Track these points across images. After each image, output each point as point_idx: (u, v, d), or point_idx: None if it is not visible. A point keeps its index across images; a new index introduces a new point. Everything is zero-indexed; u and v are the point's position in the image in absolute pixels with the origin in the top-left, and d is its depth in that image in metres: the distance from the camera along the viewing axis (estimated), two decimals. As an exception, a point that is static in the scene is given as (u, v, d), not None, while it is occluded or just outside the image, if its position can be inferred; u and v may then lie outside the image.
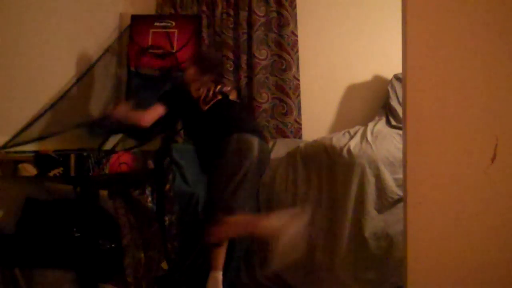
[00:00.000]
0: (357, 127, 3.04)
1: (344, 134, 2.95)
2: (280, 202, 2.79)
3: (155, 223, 2.53)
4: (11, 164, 2.32)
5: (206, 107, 2.65)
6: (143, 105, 2.69)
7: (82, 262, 2.31)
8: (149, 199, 2.53)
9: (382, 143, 2.71)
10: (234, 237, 2.53)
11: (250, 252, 2.77)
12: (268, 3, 3.49)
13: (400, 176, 2.43)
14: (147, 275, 2.50)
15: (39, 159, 2.33)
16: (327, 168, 2.72)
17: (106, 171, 2.45)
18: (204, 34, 3.53)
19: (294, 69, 3.46)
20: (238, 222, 2.37)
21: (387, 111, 3.21)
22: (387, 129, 2.97)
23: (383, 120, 3.15)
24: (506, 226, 1.28)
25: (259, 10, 3.48)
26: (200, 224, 2.56)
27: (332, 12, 3.54)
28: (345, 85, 3.55)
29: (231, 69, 3.53)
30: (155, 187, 2.56)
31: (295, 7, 3.47)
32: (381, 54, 3.41)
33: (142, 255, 2.48)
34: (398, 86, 3.22)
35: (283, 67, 3.48)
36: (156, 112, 2.58)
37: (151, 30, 3.38)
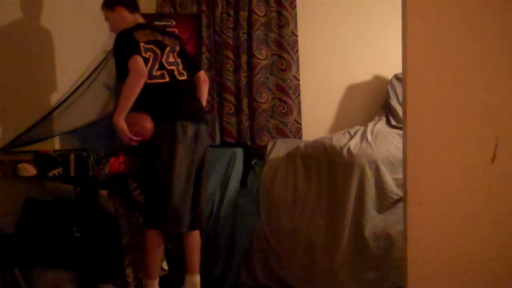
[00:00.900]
0: (357, 127, 3.04)
1: (344, 134, 2.95)
2: (280, 202, 2.79)
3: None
4: (11, 164, 2.32)
5: None
6: None
7: (82, 262, 2.31)
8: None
9: (382, 143, 2.71)
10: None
11: (250, 252, 2.77)
12: (268, 3, 3.49)
13: (400, 176, 2.43)
14: (147, 275, 2.49)
15: (39, 159, 2.33)
16: (327, 168, 2.73)
17: (106, 171, 2.45)
18: (204, 34, 3.52)
19: (294, 69, 3.46)
20: None
21: (387, 111, 3.21)
22: (387, 129, 2.97)
23: (383, 120, 3.14)
24: (505, 225, 1.28)
25: (259, 10, 3.48)
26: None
27: (332, 12, 3.53)
28: (345, 85, 3.55)
29: (231, 69, 3.53)
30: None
31: (295, 7, 3.47)
32: (381, 54, 3.40)
33: (142, 255, 2.48)
34: (398, 86, 3.22)
35: (283, 67, 3.47)
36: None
37: (152, 29, 3.36)
